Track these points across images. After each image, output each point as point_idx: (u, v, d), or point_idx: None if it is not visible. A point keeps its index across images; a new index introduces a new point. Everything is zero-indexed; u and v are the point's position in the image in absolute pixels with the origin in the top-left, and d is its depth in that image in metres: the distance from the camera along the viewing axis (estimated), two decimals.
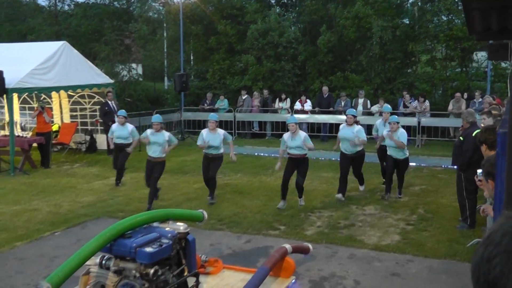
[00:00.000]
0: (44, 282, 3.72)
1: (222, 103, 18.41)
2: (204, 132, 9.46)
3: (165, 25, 24.29)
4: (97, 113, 15.01)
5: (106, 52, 21.27)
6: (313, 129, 17.02)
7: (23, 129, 14.67)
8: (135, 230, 4.50)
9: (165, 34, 23.98)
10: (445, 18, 18.38)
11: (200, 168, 9.76)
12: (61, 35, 21.34)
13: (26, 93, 13.33)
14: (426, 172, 12.19)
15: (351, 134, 9.36)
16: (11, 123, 12.51)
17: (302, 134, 8.88)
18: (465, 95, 16.19)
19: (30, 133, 14.78)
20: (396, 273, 6.27)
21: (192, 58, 23.76)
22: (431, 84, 18.33)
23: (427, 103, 16.13)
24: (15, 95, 12.94)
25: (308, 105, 17.46)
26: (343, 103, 16.98)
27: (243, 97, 18.22)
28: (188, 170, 12.34)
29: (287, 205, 9.03)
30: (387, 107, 10.91)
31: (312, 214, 8.77)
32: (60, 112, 15.95)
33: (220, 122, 11.49)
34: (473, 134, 7.23)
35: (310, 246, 6.63)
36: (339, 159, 9.88)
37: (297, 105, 17.52)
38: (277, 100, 18.09)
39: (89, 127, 15.59)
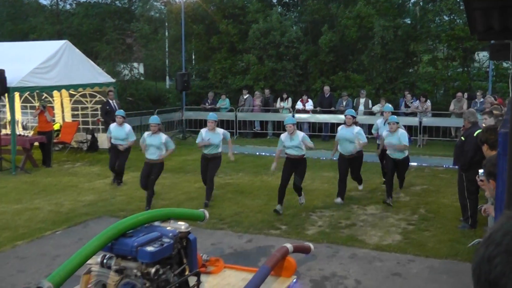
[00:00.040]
0: (46, 281, 3.73)
1: (224, 102, 18.41)
2: (203, 131, 9.43)
3: (166, 24, 24.28)
4: (99, 112, 15.01)
5: (108, 51, 21.28)
6: (315, 129, 17.05)
7: (24, 128, 14.69)
8: (136, 229, 4.50)
9: (166, 34, 23.96)
10: (446, 18, 18.39)
11: None
12: (62, 34, 21.32)
13: (28, 92, 13.35)
14: (428, 172, 12.18)
15: (350, 135, 9.24)
16: (13, 122, 12.54)
17: (300, 133, 8.79)
18: (466, 95, 16.18)
19: (32, 132, 14.78)
20: (397, 273, 6.27)
21: (193, 57, 23.75)
22: (432, 84, 18.34)
23: (428, 103, 16.11)
24: (16, 94, 12.96)
25: (309, 105, 17.46)
26: (344, 103, 16.96)
27: (245, 97, 18.22)
28: (189, 170, 12.35)
29: (288, 204, 9.00)
30: (388, 106, 10.88)
31: (313, 213, 8.77)
32: (62, 111, 15.95)
33: (222, 122, 11.48)
34: (475, 134, 7.22)
35: (311, 245, 6.63)
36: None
37: (299, 105, 17.52)
38: (279, 99, 18.09)
39: (90, 126, 15.59)
